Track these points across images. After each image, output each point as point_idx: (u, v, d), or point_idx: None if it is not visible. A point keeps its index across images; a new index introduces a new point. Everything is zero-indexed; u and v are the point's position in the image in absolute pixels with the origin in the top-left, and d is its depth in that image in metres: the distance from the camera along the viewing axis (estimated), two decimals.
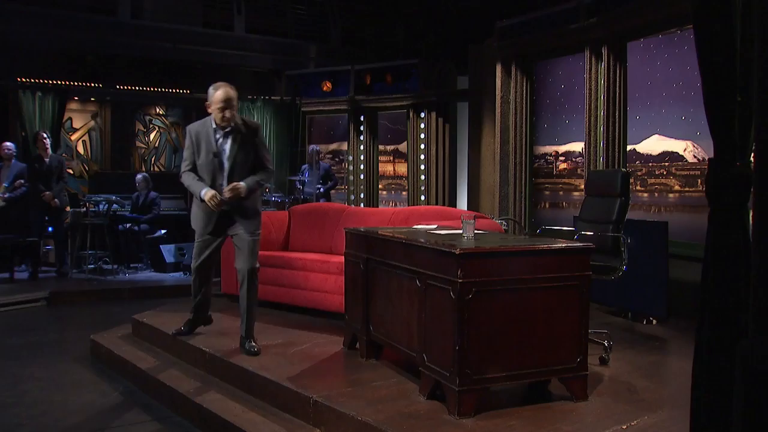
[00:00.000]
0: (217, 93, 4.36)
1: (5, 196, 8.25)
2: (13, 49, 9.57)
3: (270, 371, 3.92)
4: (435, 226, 4.45)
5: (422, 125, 10.00)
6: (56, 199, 8.49)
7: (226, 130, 4.43)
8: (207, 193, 4.38)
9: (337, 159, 11.12)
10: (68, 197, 9.08)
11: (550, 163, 7.63)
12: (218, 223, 4.53)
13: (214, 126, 4.45)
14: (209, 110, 4.43)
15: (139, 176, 9.54)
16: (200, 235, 4.60)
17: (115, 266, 8.89)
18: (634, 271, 4.61)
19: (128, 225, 9.10)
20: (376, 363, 4.08)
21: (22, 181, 8.35)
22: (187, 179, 4.52)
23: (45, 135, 8.68)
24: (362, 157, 10.70)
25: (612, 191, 4.51)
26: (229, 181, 4.43)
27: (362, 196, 10.71)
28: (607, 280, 4.29)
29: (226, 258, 6.12)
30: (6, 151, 8.45)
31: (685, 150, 5.89)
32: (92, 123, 10.95)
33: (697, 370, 2.12)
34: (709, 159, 2.13)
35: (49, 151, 8.65)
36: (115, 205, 9.00)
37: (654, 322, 5.27)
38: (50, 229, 8.74)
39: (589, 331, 3.50)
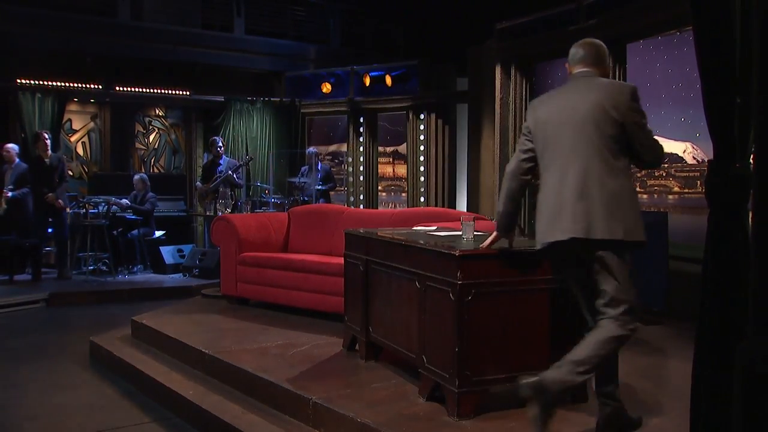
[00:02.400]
0: None
1: (8, 195, 8.24)
2: (13, 50, 9.57)
3: (269, 372, 3.92)
4: (434, 228, 4.44)
5: (422, 127, 10.00)
6: (59, 200, 8.45)
7: None
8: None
9: (336, 160, 11.12)
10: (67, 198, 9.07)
11: None
12: None
13: None
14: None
15: (136, 177, 9.53)
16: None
17: (118, 268, 8.89)
18: (633, 262, 4.59)
19: (120, 230, 9.06)
20: (375, 364, 4.08)
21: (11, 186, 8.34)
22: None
23: (46, 135, 8.67)
24: (362, 159, 10.70)
25: None
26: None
27: (362, 197, 10.70)
28: None
29: (226, 257, 6.13)
30: (7, 152, 8.45)
31: (684, 151, 5.89)
32: (92, 124, 10.95)
33: (696, 372, 2.12)
34: (708, 160, 2.13)
35: (50, 151, 8.64)
36: (114, 207, 8.99)
37: (653, 324, 5.27)
38: (49, 230, 8.72)
39: None
